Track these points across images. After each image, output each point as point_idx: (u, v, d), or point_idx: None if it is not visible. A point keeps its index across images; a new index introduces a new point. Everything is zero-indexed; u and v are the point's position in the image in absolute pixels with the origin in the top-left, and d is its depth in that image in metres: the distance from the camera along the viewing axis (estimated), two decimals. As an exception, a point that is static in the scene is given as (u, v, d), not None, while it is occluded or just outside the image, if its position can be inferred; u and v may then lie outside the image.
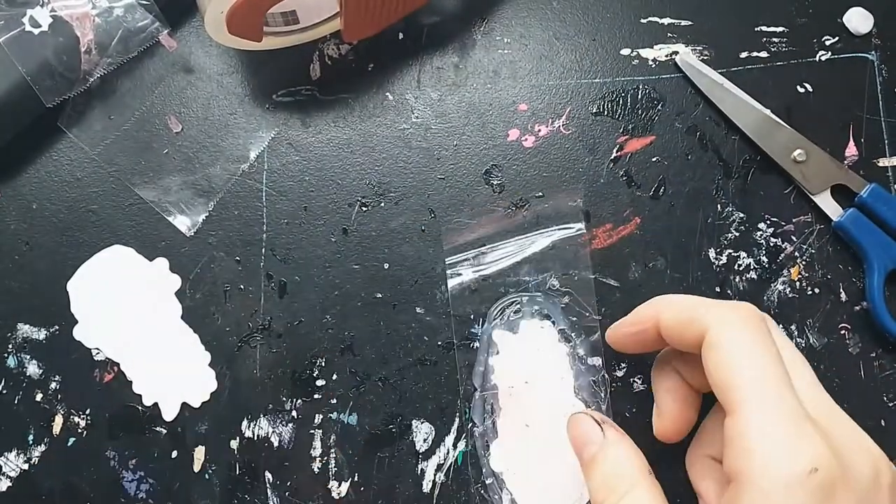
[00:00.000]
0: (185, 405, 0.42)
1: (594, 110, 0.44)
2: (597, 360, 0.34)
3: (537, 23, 0.45)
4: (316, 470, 0.41)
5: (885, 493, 0.26)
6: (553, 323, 0.33)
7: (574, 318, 0.34)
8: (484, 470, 0.33)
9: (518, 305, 0.33)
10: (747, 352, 0.27)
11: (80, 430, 0.41)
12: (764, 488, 0.24)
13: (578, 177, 0.43)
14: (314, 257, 0.43)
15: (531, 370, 0.31)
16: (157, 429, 0.41)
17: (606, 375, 0.35)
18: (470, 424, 0.34)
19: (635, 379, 0.40)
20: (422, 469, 0.40)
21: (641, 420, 0.38)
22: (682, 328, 0.30)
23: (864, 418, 0.41)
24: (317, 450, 0.41)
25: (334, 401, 0.41)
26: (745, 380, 0.26)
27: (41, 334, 0.42)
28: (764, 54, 0.44)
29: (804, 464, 0.24)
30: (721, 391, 0.27)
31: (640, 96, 0.44)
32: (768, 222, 0.43)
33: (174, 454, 0.41)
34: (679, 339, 0.30)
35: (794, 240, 0.43)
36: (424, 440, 0.41)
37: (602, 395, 0.32)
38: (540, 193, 0.43)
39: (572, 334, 0.33)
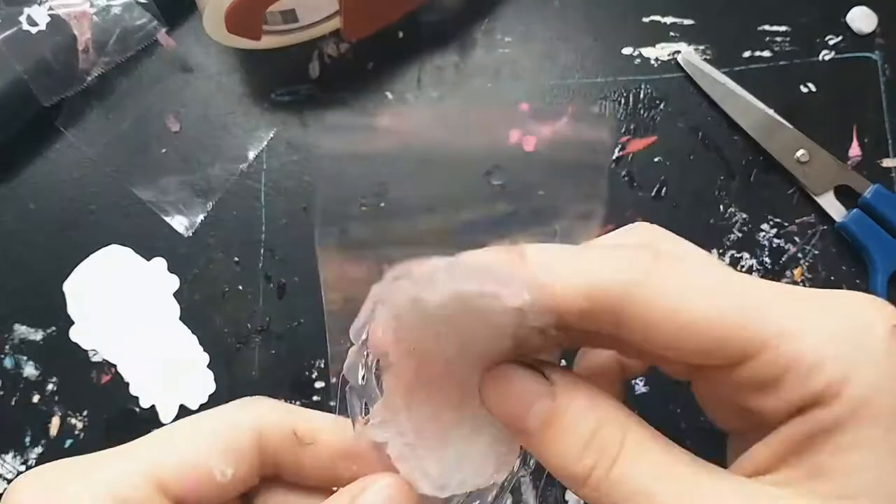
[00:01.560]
0: (182, 407, 0.41)
1: (596, 110, 0.44)
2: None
3: (539, 22, 0.44)
4: (315, 472, 0.41)
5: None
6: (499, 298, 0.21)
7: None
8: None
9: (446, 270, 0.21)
10: (710, 281, 0.20)
11: (77, 432, 0.41)
12: (869, 379, 0.18)
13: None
14: (314, 258, 0.42)
15: (451, 328, 0.21)
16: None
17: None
18: (337, 382, 0.24)
19: (637, 382, 0.40)
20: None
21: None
22: (584, 322, 0.21)
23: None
24: (316, 452, 0.41)
25: (333, 402, 0.41)
26: (754, 307, 0.19)
27: (38, 335, 0.42)
28: (767, 54, 0.44)
29: (883, 328, 0.19)
30: (724, 344, 0.19)
31: (642, 96, 0.44)
32: (771, 223, 0.43)
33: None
34: (594, 327, 0.21)
35: (798, 241, 0.42)
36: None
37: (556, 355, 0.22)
38: (541, 193, 0.43)
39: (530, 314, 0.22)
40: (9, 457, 0.41)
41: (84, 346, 0.42)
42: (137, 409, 0.41)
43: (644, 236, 0.24)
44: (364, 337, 0.22)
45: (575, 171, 0.25)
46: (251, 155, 0.43)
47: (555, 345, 0.22)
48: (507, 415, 0.20)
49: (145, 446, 0.23)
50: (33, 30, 0.39)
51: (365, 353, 0.22)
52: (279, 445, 0.23)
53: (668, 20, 0.44)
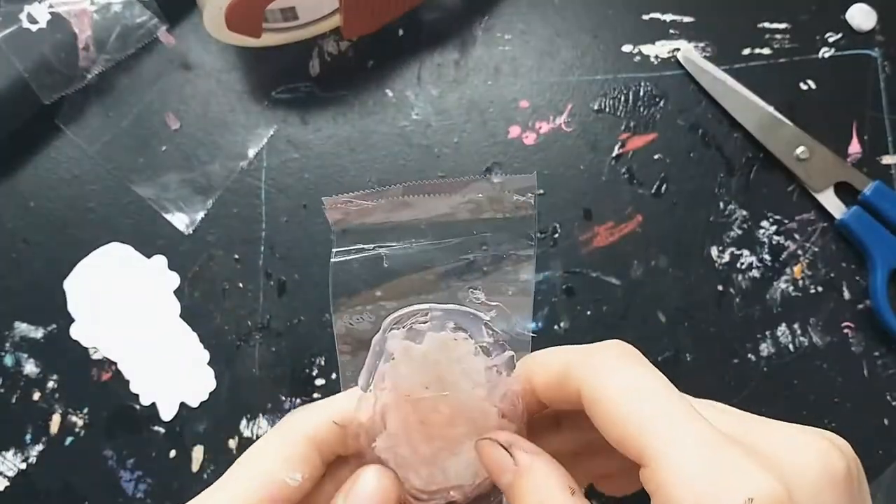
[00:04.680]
0: (183, 404, 0.41)
1: (596, 107, 0.44)
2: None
3: (538, 19, 0.44)
4: (315, 469, 0.41)
5: (842, 485, 0.23)
6: (469, 336, 0.28)
7: (501, 332, 0.29)
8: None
9: (424, 316, 0.28)
10: (639, 392, 0.24)
11: (77, 430, 0.41)
12: None
13: (580, 174, 0.43)
14: (314, 255, 0.42)
15: (435, 377, 0.27)
16: (156, 428, 0.41)
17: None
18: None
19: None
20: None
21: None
22: (557, 390, 0.26)
23: (868, 417, 0.41)
24: (316, 449, 0.41)
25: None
26: (649, 424, 0.23)
27: (38, 333, 0.42)
28: (767, 51, 0.44)
29: (737, 499, 0.21)
30: (624, 445, 0.23)
31: (641, 93, 0.44)
32: (771, 220, 0.43)
33: (172, 454, 0.41)
34: (561, 402, 0.27)
35: (797, 238, 0.42)
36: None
37: (520, 407, 0.28)
38: (541, 191, 0.43)
39: (494, 350, 0.28)
40: (9, 454, 0.41)
41: (84, 343, 0.42)
42: (138, 407, 0.41)
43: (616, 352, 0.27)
44: (369, 381, 0.27)
45: (507, 223, 0.31)
46: (251, 152, 0.43)
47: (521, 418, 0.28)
48: (489, 470, 0.27)
49: (228, 481, 0.26)
50: (34, 28, 0.39)
51: (372, 396, 0.27)
52: (329, 437, 0.27)
53: (668, 17, 0.44)
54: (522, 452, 0.26)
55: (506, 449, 0.26)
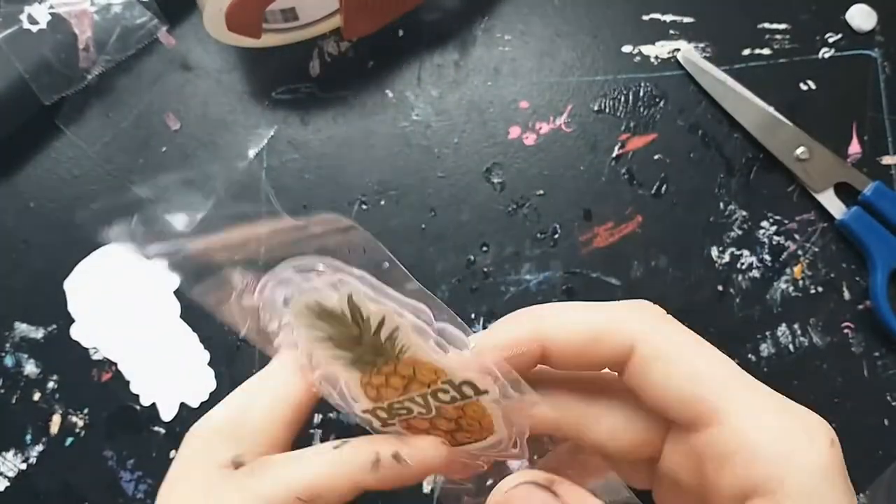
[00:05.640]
0: (183, 405, 0.41)
1: (596, 108, 0.44)
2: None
3: (538, 20, 0.44)
4: (315, 470, 0.41)
5: (838, 451, 0.23)
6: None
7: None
8: None
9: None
10: (697, 352, 0.23)
11: (77, 430, 0.41)
12: (804, 486, 0.21)
13: (580, 175, 0.43)
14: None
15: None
16: (156, 428, 0.41)
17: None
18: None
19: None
20: (422, 469, 0.40)
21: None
22: (588, 348, 0.24)
23: (868, 417, 0.41)
24: (316, 450, 0.41)
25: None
26: (716, 383, 0.22)
27: (39, 333, 0.42)
28: (767, 51, 0.44)
29: (824, 441, 0.21)
30: (684, 406, 0.23)
31: (641, 94, 0.44)
32: (771, 220, 0.43)
33: (172, 454, 0.41)
34: (586, 362, 0.24)
35: (798, 238, 0.42)
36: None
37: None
38: (541, 192, 0.43)
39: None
40: (10, 454, 0.41)
41: (85, 344, 0.42)
42: (138, 407, 0.41)
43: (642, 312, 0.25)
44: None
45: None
46: (251, 153, 0.43)
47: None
48: None
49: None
50: (34, 28, 0.39)
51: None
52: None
53: (668, 18, 0.44)
54: (566, 487, 0.24)
55: (546, 489, 0.24)
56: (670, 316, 0.25)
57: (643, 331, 0.23)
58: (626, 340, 0.23)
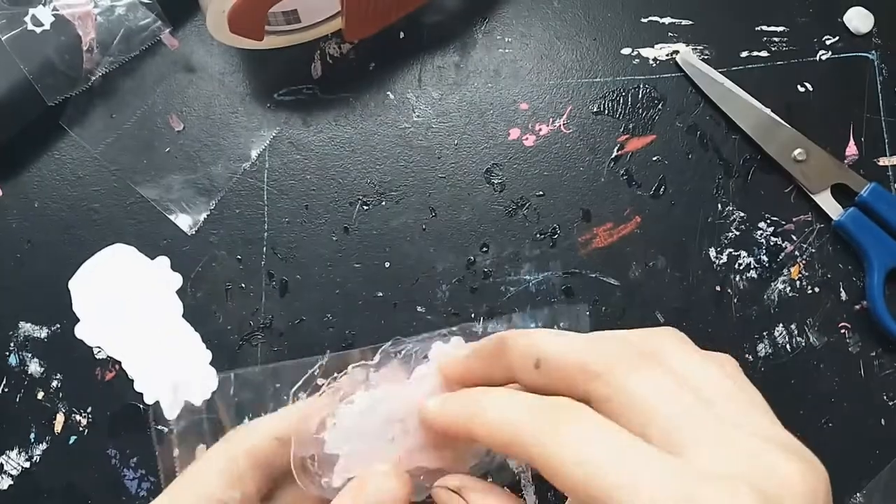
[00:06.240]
0: (186, 404, 0.42)
1: (595, 109, 0.44)
2: None
3: (538, 22, 0.45)
4: (317, 468, 0.41)
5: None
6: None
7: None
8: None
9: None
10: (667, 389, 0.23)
11: (81, 429, 0.42)
12: None
13: (579, 176, 0.43)
14: (315, 256, 0.43)
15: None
16: (159, 427, 0.41)
17: None
18: None
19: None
20: (422, 467, 0.40)
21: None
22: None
23: (865, 417, 0.41)
24: (318, 448, 0.41)
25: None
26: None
27: (43, 332, 0.42)
28: (764, 54, 0.44)
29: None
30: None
31: (640, 96, 0.44)
32: (769, 221, 0.43)
33: (175, 453, 0.41)
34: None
35: (795, 239, 0.43)
36: (425, 438, 0.41)
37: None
38: (541, 192, 0.43)
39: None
40: (13, 453, 0.41)
41: (88, 343, 0.42)
42: (141, 406, 0.42)
43: (657, 341, 0.25)
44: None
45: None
46: (254, 154, 0.43)
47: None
48: None
49: (166, 502, 0.27)
50: (38, 30, 0.40)
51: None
52: (271, 455, 0.27)
53: (667, 20, 0.45)
54: (473, 493, 0.26)
55: (455, 492, 0.27)
56: (677, 351, 0.24)
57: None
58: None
